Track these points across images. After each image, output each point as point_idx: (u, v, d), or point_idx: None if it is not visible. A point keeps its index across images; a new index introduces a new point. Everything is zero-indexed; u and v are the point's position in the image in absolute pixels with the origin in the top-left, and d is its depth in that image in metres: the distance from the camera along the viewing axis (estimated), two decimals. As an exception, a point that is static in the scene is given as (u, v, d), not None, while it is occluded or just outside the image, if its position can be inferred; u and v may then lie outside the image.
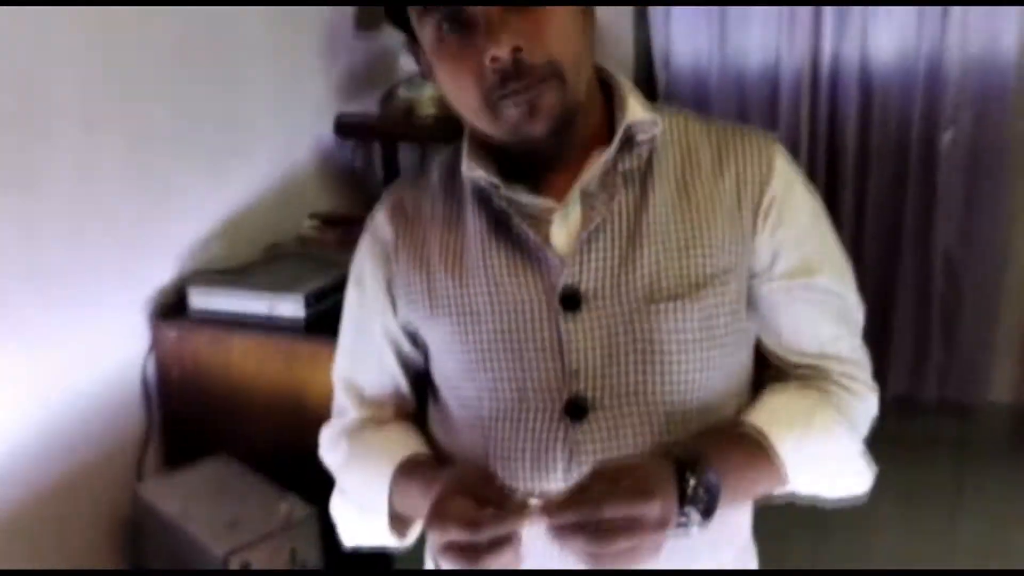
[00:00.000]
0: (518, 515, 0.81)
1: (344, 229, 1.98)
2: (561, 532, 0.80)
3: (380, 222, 1.05)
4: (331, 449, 1.10)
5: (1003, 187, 2.86)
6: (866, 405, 1.04)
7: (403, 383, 1.08)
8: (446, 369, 1.02)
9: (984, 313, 3.00)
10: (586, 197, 0.95)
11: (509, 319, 0.95)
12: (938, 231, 2.95)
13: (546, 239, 0.94)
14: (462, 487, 0.85)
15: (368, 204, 2.16)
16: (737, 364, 1.00)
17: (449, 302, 0.99)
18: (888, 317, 3.10)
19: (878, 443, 3.03)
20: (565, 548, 0.81)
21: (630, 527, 0.79)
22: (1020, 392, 3.05)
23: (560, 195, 0.95)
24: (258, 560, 1.46)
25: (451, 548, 0.81)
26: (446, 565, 0.84)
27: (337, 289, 1.71)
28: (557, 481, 0.93)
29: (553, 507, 0.81)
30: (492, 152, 0.96)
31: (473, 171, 0.95)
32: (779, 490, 1.00)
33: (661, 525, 0.81)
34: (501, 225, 0.96)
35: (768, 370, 1.04)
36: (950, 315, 3.04)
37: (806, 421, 0.97)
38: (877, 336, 3.15)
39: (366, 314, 1.07)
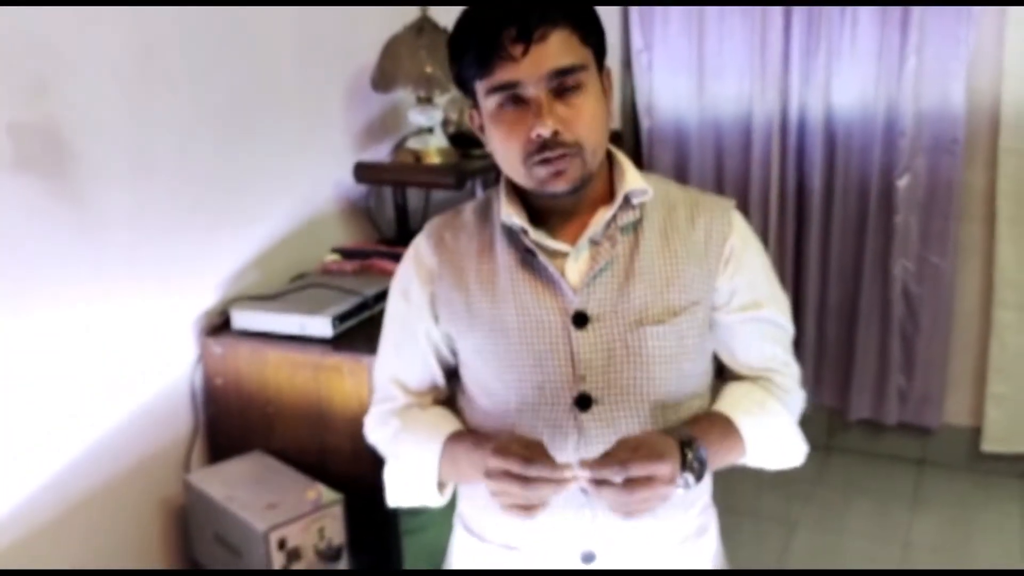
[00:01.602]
0: (561, 467, 1.06)
1: (360, 261, 2.23)
2: (597, 485, 1.05)
3: (424, 250, 1.30)
4: (380, 426, 1.33)
5: (953, 227, 3.08)
6: (796, 400, 1.32)
7: (440, 378, 1.33)
8: (478, 370, 1.27)
9: (939, 343, 3.20)
10: (593, 243, 1.22)
11: (533, 333, 1.21)
12: (896, 266, 3.16)
13: (563, 273, 1.21)
14: (521, 440, 1.11)
15: (380, 239, 2.45)
16: (700, 370, 1.27)
17: (484, 318, 1.23)
18: (852, 346, 3.30)
19: (845, 456, 3.38)
20: (598, 497, 1.06)
21: (649, 482, 1.05)
22: (973, 416, 3.26)
23: (573, 240, 1.22)
24: (293, 535, 1.70)
25: (505, 475, 1.06)
26: (492, 487, 1.07)
27: (357, 312, 1.99)
28: (569, 453, 1.18)
29: (591, 464, 1.06)
30: (523, 203, 1.23)
31: (510, 217, 1.21)
32: (739, 461, 1.26)
33: (670, 481, 1.07)
34: (527, 260, 1.22)
35: (723, 376, 1.33)
36: (909, 345, 3.25)
37: (759, 409, 1.25)
38: (842, 364, 3.38)
39: (412, 322, 1.31)
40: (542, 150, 1.13)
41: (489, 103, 1.15)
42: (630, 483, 1.04)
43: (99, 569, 1.85)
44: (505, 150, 1.17)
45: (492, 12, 1.11)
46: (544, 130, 1.11)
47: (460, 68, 1.17)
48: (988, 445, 3.21)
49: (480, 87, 1.15)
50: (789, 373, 1.32)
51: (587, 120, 1.14)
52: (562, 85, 1.12)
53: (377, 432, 1.35)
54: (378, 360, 1.37)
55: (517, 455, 1.07)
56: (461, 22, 1.15)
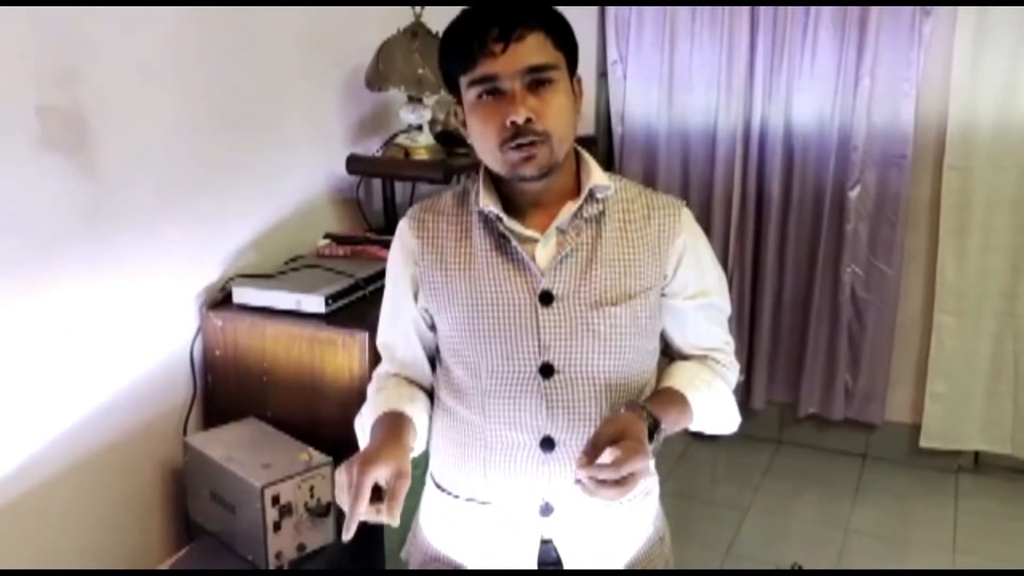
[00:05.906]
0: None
1: (352, 246, 2.39)
2: (592, 481, 1.18)
3: (407, 234, 1.45)
4: (372, 383, 1.52)
5: (900, 236, 3.30)
6: (734, 371, 1.53)
7: (421, 354, 1.49)
8: (455, 342, 1.42)
9: (883, 344, 3.41)
10: (560, 231, 1.38)
11: (504, 308, 1.37)
12: (846, 271, 3.37)
13: (532, 257, 1.37)
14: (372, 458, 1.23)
15: (368, 228, 2.60)
16: (650, 347, 1.45)
17: (462, 295, 1.39)
18: (803, 345, 3.49)
19: (795, 449, 3.63)
20: (596, 493, 1.18)
21: (635, 478, 1.19)
22: (913, 414, 3.48)
23: (542, 228, 1.37)
24: (286, 492, 1.85)
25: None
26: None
27: (349, 292, 2.15)
28: (532, 416, 1.36)
29: (588, 465, 1.18)
30: (499, 193, 1.39)
31: (486, 206, 1.36)
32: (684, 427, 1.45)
33: (647, 472, 1.24)
34: (501, 244, 1.38)
35: (668, 355, 1.52)
36: (855, 345, 3.45)
37: (708, 386, 1.44)
38: (794, 362, 3.58)
39: (397, 301, 1.48)
40: (515, 136, 1.28)
41: (470, 95, 1.31)
42: (622, 480, 1.19)
43: (100, 569, 1.97)
44: (483, 137, 1.31)
45: (479, 14, 1.28)
46: (518, 117, 1.26)
47: (448, 64, 1.33)
48: (926, 441, 3.43)
49: (464, 80, 1.31)
50: (728, 350, 1.52)
51: (556, 112, 1.29)
52: (535, 80, 1.28)
53: (369, 388, 1.52)
54: (379, 330, 1.54)
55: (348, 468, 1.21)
56: (453, 23, 1.32)
